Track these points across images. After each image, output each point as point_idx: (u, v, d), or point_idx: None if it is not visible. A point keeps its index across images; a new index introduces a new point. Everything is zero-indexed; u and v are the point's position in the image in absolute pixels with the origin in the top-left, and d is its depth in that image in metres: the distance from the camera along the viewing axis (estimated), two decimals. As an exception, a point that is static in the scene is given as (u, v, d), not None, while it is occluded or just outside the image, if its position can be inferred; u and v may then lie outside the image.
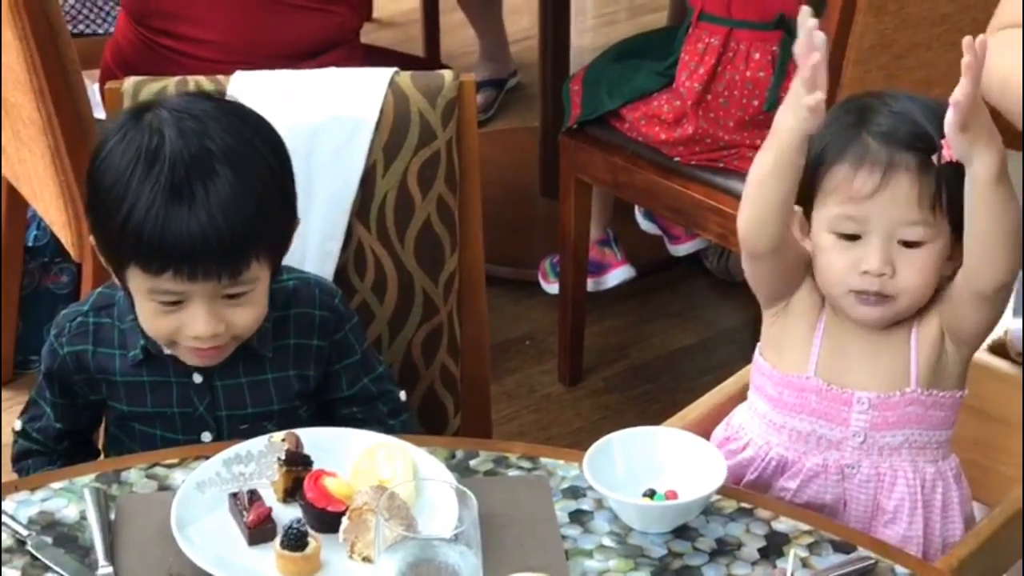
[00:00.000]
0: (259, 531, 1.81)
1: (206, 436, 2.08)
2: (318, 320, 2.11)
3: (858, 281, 1.97)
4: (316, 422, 2.07)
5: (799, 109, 1.88)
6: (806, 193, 1.99)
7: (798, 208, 2.01)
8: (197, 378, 2.07)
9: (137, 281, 1.97)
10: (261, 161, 1.97)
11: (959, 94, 1.81)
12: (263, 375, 2.08)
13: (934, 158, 1.93)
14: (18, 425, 2.17)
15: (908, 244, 1.96)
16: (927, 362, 2.01)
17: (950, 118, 1.83)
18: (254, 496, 1.83)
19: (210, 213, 1.91)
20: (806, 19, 1.88)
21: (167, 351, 2.04)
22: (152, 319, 1.99)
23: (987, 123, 1.85)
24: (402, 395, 2.19)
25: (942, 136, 1.89)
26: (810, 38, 1.87)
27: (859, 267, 1.96)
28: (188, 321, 1.96)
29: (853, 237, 1.96)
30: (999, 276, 1.93)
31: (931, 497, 2.03)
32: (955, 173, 1.91)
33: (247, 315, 1.99)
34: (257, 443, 1.92)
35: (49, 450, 2.16)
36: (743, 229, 2.00)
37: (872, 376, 2.02)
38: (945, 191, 1.94)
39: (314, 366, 2.11)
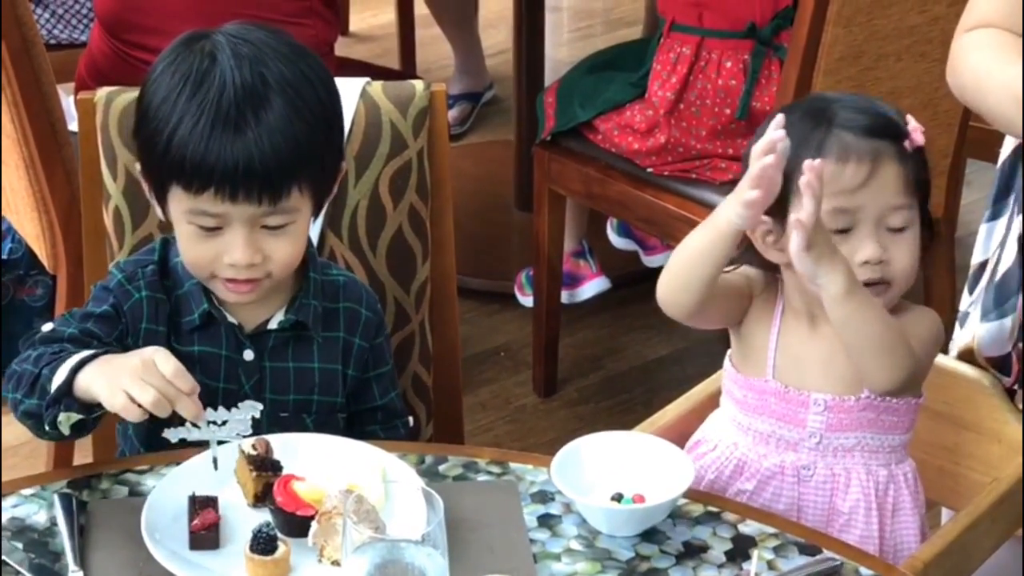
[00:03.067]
0: (199, 537, 1.81)
1: None
2: (363, 320, 2.12)
3: (859, 272, 1.99)
4: (346, 434, 2.05)
5: (737, 204, 1.91)
6: (777, 205, 1.99)
7: (767, 218, 2.02)
8: (248, 355, 2.06)
9: (178, 204, 1.97)
10: (312, 93, 1.98)
11: (802, 215, 1.87)
12: (310, 363, 2.09)
13: (906, 144, 2.00)
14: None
15: (894, 230, 2.00)
16: None
17: (794, 239, 1.88)
18: (208, 502, 1.84)
19: (257, 137, 1.92)
20: (776, 124, 1.91)
21: (208, 284, 2.03)
22: (191, 245, 1.99)
23: (829, 241, 1.91)
24: (411, 420, 2.22)
25: (904, 123, 1.99)
26: (772, 143, 1.89)
27: (856, 259, 1.99)
28: (226, 248, 1.97)
29: (843, 232, 2.00)
30: (894, 378, 1.99)
31: (883, 500, 2.05)
32: (922, 160, 2.01)
33: (285, 249, 1.99)
34: (229, 449, 1.93)
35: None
36: (662, 296, 2.03)
37: (827, 379, 2.04)
38: (918, 178, 2.02)
39: (354, 366, 2.12)
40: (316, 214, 2.06)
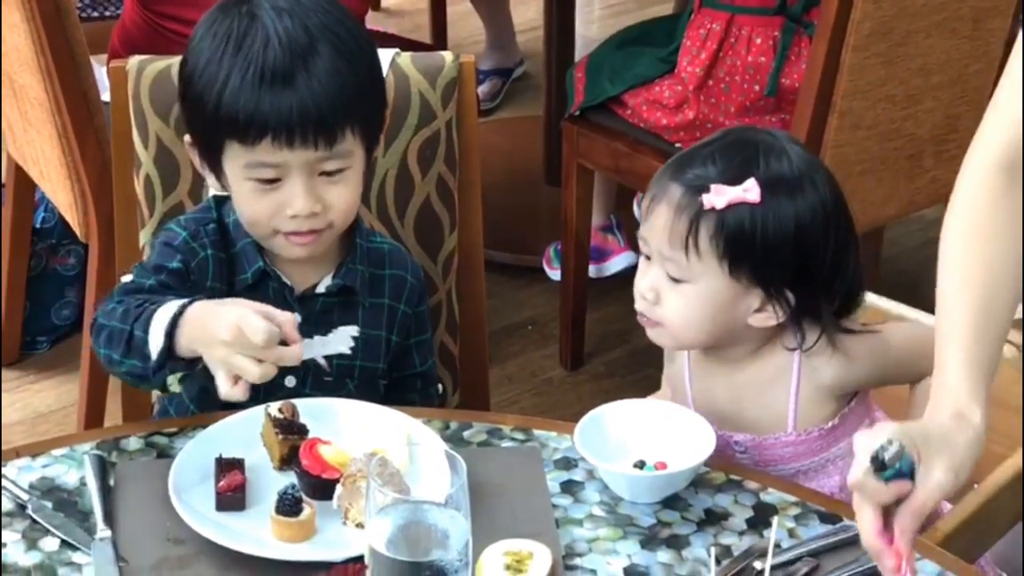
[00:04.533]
0: (226, 498, 1.83)
1: (290, 381, 2.07)
2: (408, 286, 2.15)
3: (636, 300, 2.01)
4: (385, 401, 2.06)
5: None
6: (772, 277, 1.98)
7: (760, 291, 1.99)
8: (296, 317, 2.05)
9: (235, 160, 1.99)
10: (353, 39, 2.01)
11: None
12: (355, 326, 2.10)
13: (703, 199, 1.92)
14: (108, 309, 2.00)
15: (672, 278, 1.97)
16: (807, 410, 2.02)
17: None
18: (235, 464, 1.86)
19: (308, 81, 1.94)
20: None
21: (266, 242, 2.04)
22: (250, 201, 2.00)
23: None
24: (440, 387, 2.24)
25: (732, 181, 1.91)
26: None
27: (638, 285, 2.00)
28: (287, 198, 1.98)
29: (647, 256, 2.00)
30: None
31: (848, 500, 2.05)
32: (731, 224, 1.91)
33: (344, 195, 2.01)
34: (256, 412, 1.95)
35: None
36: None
37: (744, 419, 2.04)
38: (708, 235, 1.92)
39: (398, 331, 2.14)
40: (367, 162, 2.07)
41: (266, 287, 2.07)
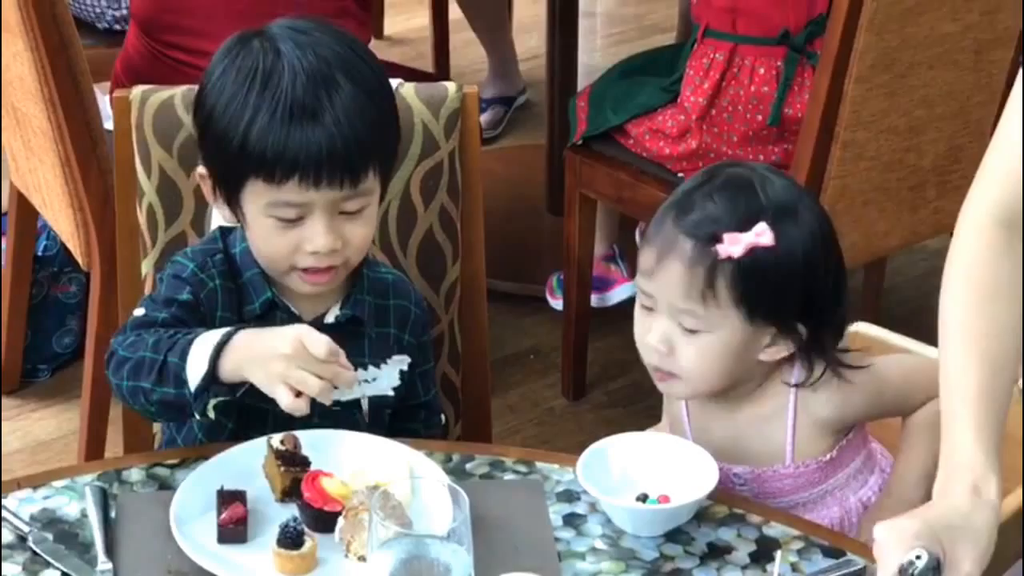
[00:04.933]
0: (228, 531, 1.83)
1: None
2: (413, 316, 2.15)
3: (647, 354, 1.99)
4: (389, 431, 2.06)
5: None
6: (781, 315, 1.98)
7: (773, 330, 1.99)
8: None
9: (257, 198, 1.98)
10: (368, 69, 2.01)
11: None
12: (362, 358, 2.09)
13: (717, 249, 1.91)
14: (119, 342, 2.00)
15: (688, 330, 1.96)
16: (805, 443, 2.03)
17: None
18: (237, 496, 1.85)
19: (336, 120, 1.94)
20: None
21: (283, 278, 2.03)
22: (270, 238, 1.99)
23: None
24: (443, 417, 2.24)
25: (739, 228, 1.90)
26: None
27: (646, 339, 1.98)
28: (308, 235, 1.98)
29: (648, 309, 1.98)
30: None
31: (848, 532, 2.05)
32: (751, 270, 1.91)
33: (362, 233, 2.01)
34: (258, 444, 1.95)
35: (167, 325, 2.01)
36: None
37: (742, 452, 2.03)
38: (725, 284, 1.92)
39: None
40: (382, 198, 2.07)
41: (274, 317, 2.07)
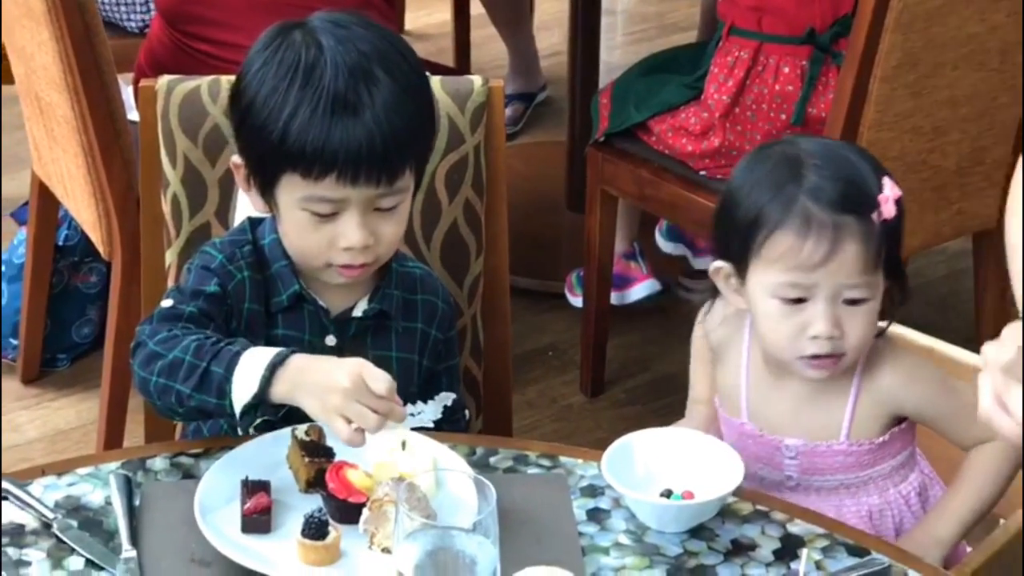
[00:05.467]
0: (252, 520, 1.83)
1: None
2: (440, 312, 2.14)
3: (809, 346, 1.98)
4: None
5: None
6: (738, 251, 2.00)
7: (725, 264, 2.02)
8: (330, 340, 2.06)
9: (292, 192, 1.97)
10: (404, 63, 2.00)
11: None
12: (388, 352, 2.09)
13: (874, 216, 1.94)
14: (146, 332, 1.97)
15: (852, 302, 1.96)
16: (862, 421, 2.03)
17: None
18: (261, 486, 1.85)
19: (376, 116, 1.94)
20: None
21: (314, 268, 2.02)
22: (304, 233, 1.99)
23: None
24: (467, 413, 2.24)
25: (877, 189, 1.93)
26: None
27: (807, 332, 1.97)
28: (342, 231, 1.97)
29: (798, 300, 1.97)
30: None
31: (880, 524, 2.04)
32: (891, 228, 1.95)
33: (393, 230, 2.01)
34: (282, 435, 1.95)
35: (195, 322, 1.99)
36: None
37: (798, 425, 2.04)
38: (884, 248, 1.96)
39: (428, 356, 2.13)
40: (414, 194, 2.06)
41: (301, 310, 2.06)
